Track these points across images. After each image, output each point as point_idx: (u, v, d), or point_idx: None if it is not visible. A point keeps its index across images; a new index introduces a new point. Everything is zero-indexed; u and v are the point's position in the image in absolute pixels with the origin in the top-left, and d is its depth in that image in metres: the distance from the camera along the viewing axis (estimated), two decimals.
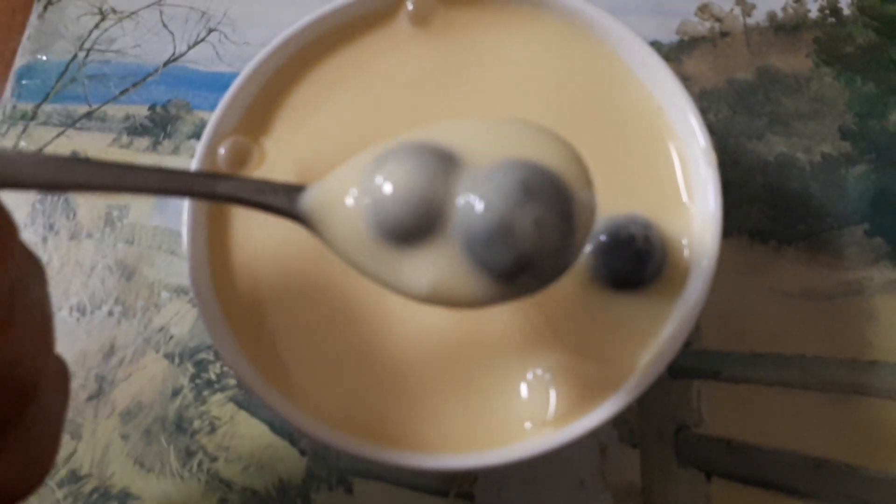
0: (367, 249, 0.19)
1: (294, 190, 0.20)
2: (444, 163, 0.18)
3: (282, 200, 0.20)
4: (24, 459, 0.18)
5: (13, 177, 0.17)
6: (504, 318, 0.24)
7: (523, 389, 0.23)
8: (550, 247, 0.18)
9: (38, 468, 0.18)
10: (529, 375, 0.23)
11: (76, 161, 0.19)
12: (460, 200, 0.18)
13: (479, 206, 0.17)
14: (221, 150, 0.26)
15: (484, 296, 0.18)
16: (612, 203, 0.25)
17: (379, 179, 0.18)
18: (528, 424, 0.23)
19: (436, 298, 0.18)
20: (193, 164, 0.26)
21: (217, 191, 0.20)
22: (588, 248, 0.24)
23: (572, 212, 0.18)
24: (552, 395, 0.23)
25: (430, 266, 0.18)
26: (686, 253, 0.24)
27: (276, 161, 0.26)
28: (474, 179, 0.18)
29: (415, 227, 0.18)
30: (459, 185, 0.18)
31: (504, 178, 0.17)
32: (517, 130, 0.19)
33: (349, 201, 0.19)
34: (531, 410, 0.23)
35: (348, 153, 0.20)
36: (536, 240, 0.17)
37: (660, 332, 0.23)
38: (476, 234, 0.17)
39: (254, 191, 0.20)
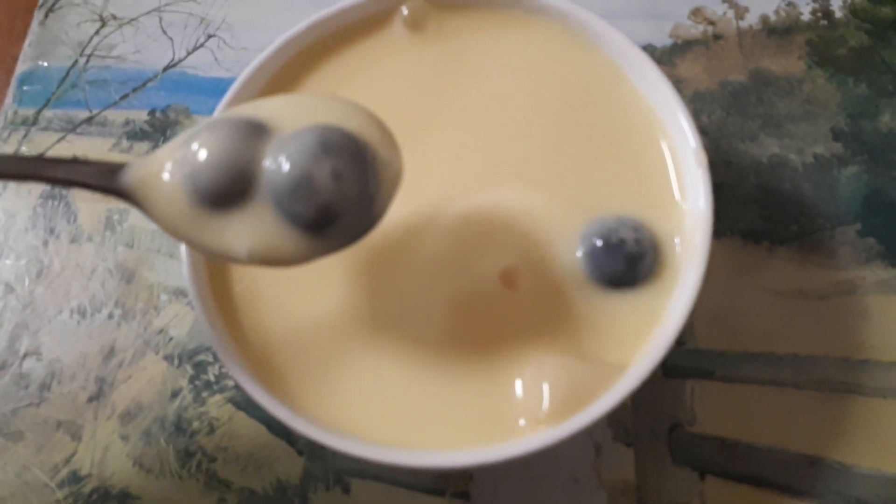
0: (187, 218, 0.20)
1: (114, 168, 0.21)
2: (253, 131, 0.19)
3: (102, 178, 0.21)
4: None
5: None
6: (498, 316, 0.24)
7: (518, 387, 0.23)
8: (351, 197, 0.19)
9: None
10: (524, 373, 0.23)
11: None
12: (267, 162, 0.19)
13: (283, 163, 0.19)
14: None
15: (298, 250, 0.20)
16: (605, 203, 0.25)
17: (192, 149, 0.19)
18: (522, 422, 0.23)
19: (257, 258, 0.20)
20: None
21: (44, 174, 0.21)
22: (580, 252, 0.24)
23: (371, 167, 0.19)
24: (546, 392, 0.23)
25: (246, 227, 0.19)
26: (678, 252, 0.24)
27: None
28: (280, 142, 0.19)
29: (228, 191, 0.19)
30: (268, 150, 0.19)
31: (304, 137, 0.19)
32: (322, 102, 0.21)
33: (166, 175, 0.20)
34: (526, 408, 0.23)
35: None
36: (336, 190, 0.19)
37: (653, 330, 0.23)
38: (282, 190, 0.19)
39: (74, 171, 0.21)
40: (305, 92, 0.27)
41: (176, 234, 0.20)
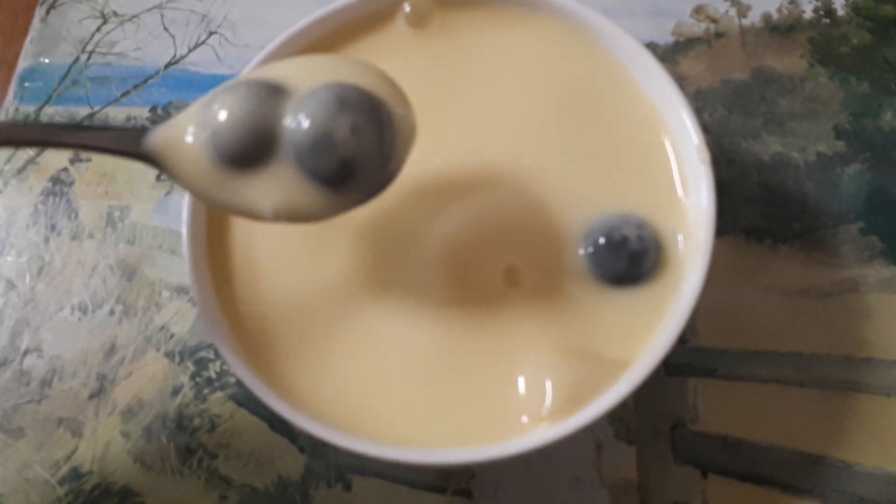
0: (211, 179, 0.20)
1: (137, 133, 0.21)
2: (271, 92, 0.20)
3: (126, 143, 0.21)
4: None
5: None
6: (501, 314, 0.24)
7: (520, 385, 0.23)
8: (369, 151, 0.20)
9: None
10: (526, 371, 0.23)
11: None
12: (287, 121, 0.20)
13: (303, 121, 0.19)
14: None
15: (319, 206, 0.20)
16: (608, 200, 0.25)
17: (213, 112, 0.20)
18: (525, 419, 0.23)
19: (281, 215, 0.20)
20: None
21: (63, 140, 0.21)
22: (583, 249, 0.24)
23: (387, 122, 0.20)
24: (548, 389, 0.23)
25: (269, 186, 0.20)
26: (681, 249, 0.24)
27: None
28: (298, 101, 0.20)
29: (250, 151, 0.20)
30: (287, 110, 0.20)
31: (322, 94, 0.20)
32: (336, 61, 0.21)
33: (189, 138, 0.20)
34: (528, 405, 0.23)
35: None
36: (355, 144, 0.19)
37: (655, 327, 0.23)
38: (303, 147, 0.19)
39: (97, 137, 0.21)
40: (475, 117, 0.27)
41: (201, 194, 0.21)
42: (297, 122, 0.19)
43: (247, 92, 0.20)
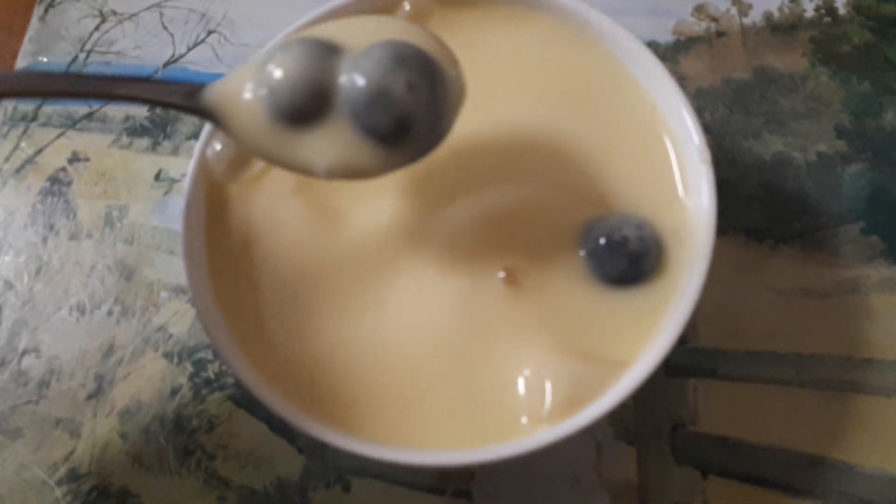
0: (268, 135, 0.21)
1: (194, 89, 0.22)
2: (327, 50, 0.20)
3: (184, 98, 0.22)
4: None
5: None
6: (501, 315, 0.24)
7: (520, 385, 0.23)
8: (424, 108, 0.20)
9: None
10: (526, 372, 0.23)
11: None
12: (343, 78, 0.20)
13: (359, 78, 0.20)
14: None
15: (374, 162, 0.21)
16: (608, 199, 0.25)
17: (270, 69, 0.20)
18: (524, 420, 0.23)
19: (335, 172, 0.21)
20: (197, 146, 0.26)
21: (115, 92, 0.22)
22: (583, 250, 0.24)
23: (441, 79, 0.20)
24: (548, 390, 0.23)
25: (324, 143, 0.20)
26: (682, 249, 0.24)
27: None
28: (353, 59, 0.20)
29: (307, 108, 0.20)
30: (342, 68, 0.20)
31: (378, 52, 0.20)
32: (389, 21, 0.22)
33: (247, 94, 0.21)
34: (528, 406, 0.23)
35: None
36: (411, 101, 0.20)
37: (655, 328, 0.23)
38: (359, 104, 0.20)
39: (155, 91, 0.22)
40: (478, 112, 0.27)
41: (257, 150, 0.21)
42: (353, 79, 0.20)
43: (302, 49, 0.20)
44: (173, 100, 0.22)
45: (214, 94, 0.21)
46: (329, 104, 0.20)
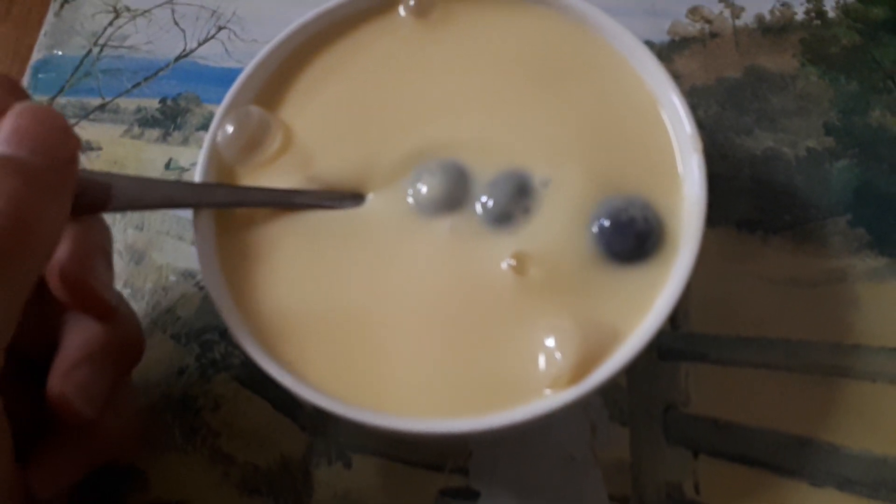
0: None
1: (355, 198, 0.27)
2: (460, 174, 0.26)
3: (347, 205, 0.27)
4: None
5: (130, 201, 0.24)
6: (503, 287, 0.25)
7: (523, 356, 0.24)
8: None
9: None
10: (533, 340, 0.24)
11: (157, 182, 0.26)
12: (477, 199, 0.26)
13: (489, 202, 0.25)
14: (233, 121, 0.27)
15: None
16: (612, 182, 0.26)
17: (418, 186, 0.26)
18: (530, 387, 0.23)
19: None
20: (210, 129, 0.27)
21: (294, 201, 0.26)
22: (592, 229, 0.25)
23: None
24: (551, 359, 0.23)
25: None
26: (676, 229, 0.25)
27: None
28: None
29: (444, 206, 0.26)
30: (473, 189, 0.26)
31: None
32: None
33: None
34: (535, 374, 0.24)
35: (353, 129, 0.24)
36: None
37: (652, 302, 0.24)
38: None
39: (324, 197, 0.27)
40: (477, 101, 0.28)
41: None
42: (484, 202, 0.26)
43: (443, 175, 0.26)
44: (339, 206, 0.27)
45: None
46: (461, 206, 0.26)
